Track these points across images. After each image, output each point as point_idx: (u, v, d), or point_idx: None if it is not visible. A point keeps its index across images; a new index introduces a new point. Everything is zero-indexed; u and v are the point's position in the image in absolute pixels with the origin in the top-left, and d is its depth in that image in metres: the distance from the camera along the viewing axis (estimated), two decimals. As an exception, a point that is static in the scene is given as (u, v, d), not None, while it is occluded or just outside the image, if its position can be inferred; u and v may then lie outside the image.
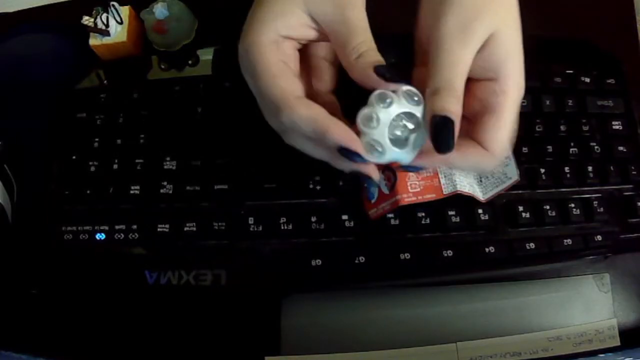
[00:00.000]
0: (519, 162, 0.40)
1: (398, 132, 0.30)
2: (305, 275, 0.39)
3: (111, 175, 0.41)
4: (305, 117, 0.29)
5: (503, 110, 0.31)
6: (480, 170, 0.33)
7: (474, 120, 0.32)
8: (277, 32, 0.31)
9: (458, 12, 0.30)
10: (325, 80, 0.35)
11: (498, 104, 0.31)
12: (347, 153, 0.29)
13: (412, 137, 0.30)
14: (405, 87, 0.30)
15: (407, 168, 0.32)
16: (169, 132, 0.42)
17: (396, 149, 0.30)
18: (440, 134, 0.29)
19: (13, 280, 0.40)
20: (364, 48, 0.30)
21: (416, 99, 0.30)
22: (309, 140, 0.31)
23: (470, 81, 0.31)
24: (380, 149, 0.30)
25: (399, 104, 0.30)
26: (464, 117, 0.31)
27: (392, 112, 0.30)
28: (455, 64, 0.30)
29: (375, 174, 0.31)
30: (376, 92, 0.30)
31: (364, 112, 0.30)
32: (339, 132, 0.29)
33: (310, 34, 0.32)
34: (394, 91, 0.30)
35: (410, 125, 0.30)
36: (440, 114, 0.29)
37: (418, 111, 0.30)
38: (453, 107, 0.29)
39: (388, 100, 0.29)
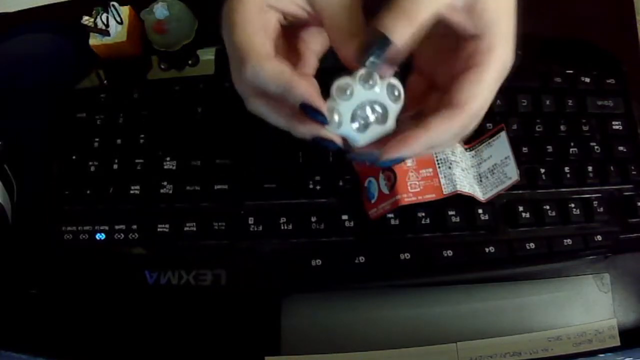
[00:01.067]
0: (519, 162, 0.40)
1: (362, 116, 0.30)
2: (305, 275, 0.39)
3: (111, 175, 0.41)
4: (272, 70, 0.29)
5: (486, 67, 0.29)
6: (455, 136, 0.31)
7: (453, 81, 0.30)
8: (264, 0, 0.31)
9: None
10: (307, 65, 0.35)
11: (482, 60, 0.29)
12: (309, 109, 0.29)
13: (373, 126, 0.30)
14: (392, 80, 0.30)
15: (360, 157, 0.32)
16: (169, 132, 0.42)
17: (354, 126, 0.30)
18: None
19: (13, 280, 0.40)
20: (359, 33, 0.30)
21: (396, 93, 0.30)
22: (271, 103, 0.31)
23: (455, 40, 0.30)
24: (338, 117, 0.29)
25: (377, 91, 0.30)
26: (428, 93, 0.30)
27: (368, 95, 0.29)
28: None
29: (338, 139, 0.30)
30: (361, 71, 0.29)
31: (341, 81, 0.30)
32: (304, 86, 0.29)
33: (297, 11, 0.32)
34: (381, 77, 0.29)
35: (375, 114, 0.30)
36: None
37: (392, 108, 0.30)
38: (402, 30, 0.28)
39: (371, 82, 0.29)
